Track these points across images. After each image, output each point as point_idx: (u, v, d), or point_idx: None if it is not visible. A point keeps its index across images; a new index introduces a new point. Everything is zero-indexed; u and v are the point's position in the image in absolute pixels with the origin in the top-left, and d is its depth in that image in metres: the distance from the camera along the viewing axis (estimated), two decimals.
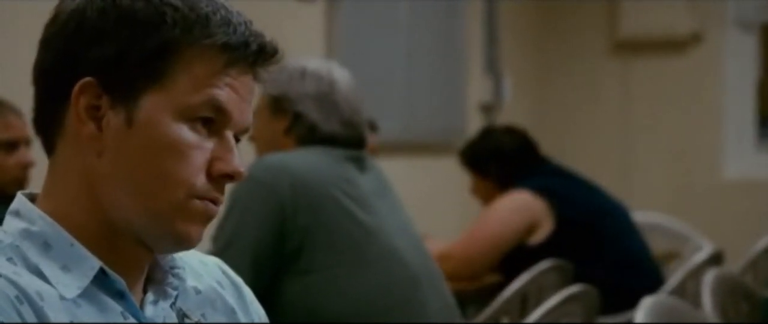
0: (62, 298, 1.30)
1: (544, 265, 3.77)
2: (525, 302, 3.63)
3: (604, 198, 4.28)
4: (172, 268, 1.42)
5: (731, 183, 6.51)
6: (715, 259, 4.09)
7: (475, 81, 6.26)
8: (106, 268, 1.33)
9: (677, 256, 5.08)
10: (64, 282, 1.31)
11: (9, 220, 1.36)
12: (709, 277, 2.85)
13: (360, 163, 2.84)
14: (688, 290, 3.84)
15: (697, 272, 3.84)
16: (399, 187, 2.99)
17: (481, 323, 3.48)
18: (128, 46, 1.32)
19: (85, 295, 1.31)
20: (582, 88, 6.86)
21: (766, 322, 2.82)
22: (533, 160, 4.30)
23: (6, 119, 3.29)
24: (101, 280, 1.33)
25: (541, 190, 4.10)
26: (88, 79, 1.32)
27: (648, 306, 2.41)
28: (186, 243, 1.35)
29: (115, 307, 1.33)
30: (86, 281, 1.32)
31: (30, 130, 3.09)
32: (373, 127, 4.14)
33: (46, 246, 1.33)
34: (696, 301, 3.38)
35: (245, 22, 1.35)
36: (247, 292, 1.52)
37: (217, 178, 1.34)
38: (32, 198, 1.37)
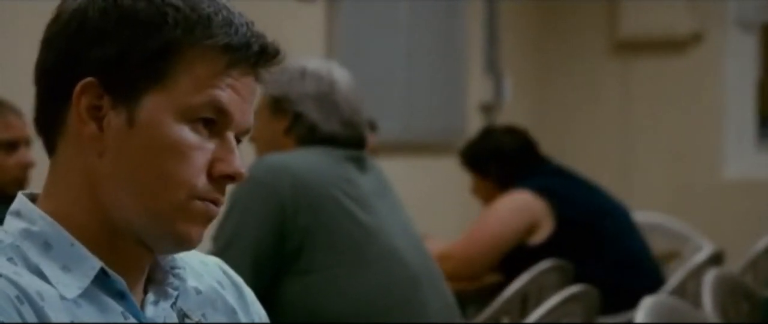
0: (63, 298, 1.30)
1: (544, 265, 3.77)
2: (525, 302, 3.63)
3: (605, 198, 4.28)
4: (173, 268, 1.42)
5: (731, 183, 6.51)
6: (716, 259, 4.09)
7: (475, 81, 6.27)
8: (107, 269, 1.33)
9: (677, 256, 5.08)
10: (65, 282, 1.31)
11: (9, 220, 1.36)
12: (710, 277, 2.85)
13: (360, 164, 2.84)
14: (688, 290, 3.84)
15: (697, 272, 3.84)
16: (399, 187, 2.99)
17: (482, 323, 3.48)
18: (130, 46, 1.32)
19: (85, 295, 1.31)
20: (582, 88, 6.86)
21: (767, 322, 2.82)
22: (533, 160, 4.30)
23: (6, 119, 3.29)
24: (102, 281, 1.33)
25: (541, 190, 4.10)
26: (89, 79, 1.32)
27: (648, 306, 2.41)
28: (186, 243, 1.35)
29: (115, 307, 1.33)
30: (87, 281, 1.32)
31: (30, 130, 3.10)
32: (372, 127, 4.14)
33: (46, 246, 1.33)
34: (696, 301, 3.38)
35: (247, 23, 1.35)
36: (248, 292, 1.52)
37: (218, 178, 1.34)
38: (33, 198, 1.37)
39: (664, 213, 5.64)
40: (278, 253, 2.68)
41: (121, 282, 1.34)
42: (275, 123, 2.87)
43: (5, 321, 1.24)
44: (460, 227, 5.19)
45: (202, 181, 1.33)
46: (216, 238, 2.69)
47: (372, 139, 3.80)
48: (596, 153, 6.70)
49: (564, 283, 3.70)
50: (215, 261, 1.51)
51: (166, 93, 1.32)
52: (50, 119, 1.36)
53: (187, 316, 1.41)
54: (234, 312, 1.47)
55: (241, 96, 1.35)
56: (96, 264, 1.33)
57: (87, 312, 1.31)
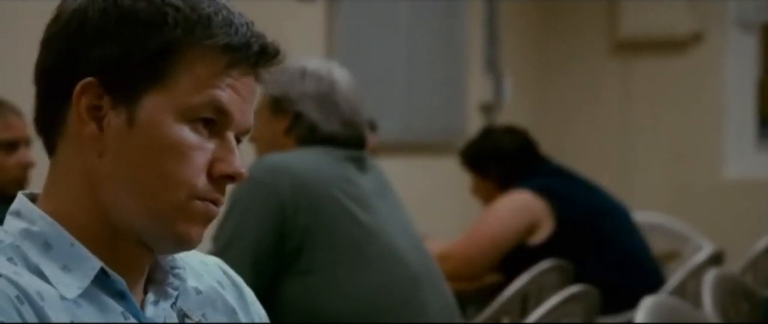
0: (63, 298, 1.30)
1: (544, 265, 3.77)
2: (525, 302, 3.63)
3: (605, 198, 4.28)
4: (173, 268, 1.42)
5: (731, 183, 6.51)
6: (716, 259, 4.09)
7: (475, 81, 6.26)
8: (107, 269, 1.33)
9: (677, 256, 5.08)
10: (65, 282, 1.31)
11: (9, 220, 1.36)
12: (710, 277, 2.84)
13: (360, 163, 2.84)
14: (688, 290, 3.84)
15: (697, 272, 3.84)
16: (399, 187, 2.99)
17: (482, 323, 3.48)
18: (130, 46, 1.32)
19: (85, 295, 1.31)
20: (582, 88, 6.86)
21: (766, 322, 2.82)
22: (534, 160, 4.30)
23: (6, 119, 3.29)
24: (102, 281, 1.33)
25: (541, 190, 4.10)
26: (89, 79, 1.32)
27: (648, 306, 2.40)
28: (186, 243, 1.35)
29: (115, 307, 1.33)
30: (87, 281, 1.32)
31: (30, 131, 3.10)
32: (372, 127, 4.14)
33: (46, 246, 1.33)
34: (696, 301, 3.38)
35: (247, 23, 1.35)
36: (248, 292, 1.52)
37: (218, 179, 1.34)
38: (33, 198, 1.37)
39: (664, 213, 5.64)
40: (278, 253, 2.67)
41: (121, 282, 1.34)
42: (275, 123, 2.87)
43: (5, 321, 1.24)
44: (460, 227, 5.18)
45: (202, 181, 1.33)
46: (216, 238, 2.69)
47: (372, 139, 3.80)
48: (596, 153, 6.70)
49: (564, 283, 3.70)
50: (215, 261, 1.51)
51: (166, 93, 1.32)
52: (50, 119, 1.36)
53: (187, 316, 1.41)
54: (234, 312, 1.47)
55: (241, 96, 1.35)
56: (96, 264, 1.33)
57: (87, 312, 1.31)
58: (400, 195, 2.94)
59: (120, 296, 1.34)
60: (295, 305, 2.67)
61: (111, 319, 1.32)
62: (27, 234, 1.33)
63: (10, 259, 1.31)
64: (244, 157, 1.36)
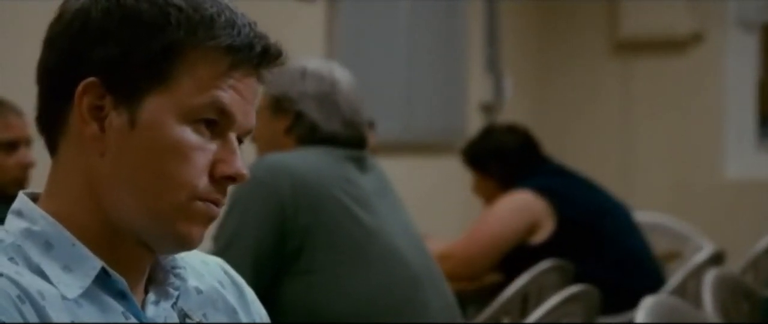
0: (64, 297, 1.30)
1: (544, 264, 3.77)
2: (525, 302, 3.63)
3: (605, 197, 4.28)
4: (174, 268, 1.42)
5: (732, 183, 6.51)
6: (716, 259, 4.09)
7: (476, 81, 6.26)
8: (108, 268, 1.33)
9: (678, 256, 5.08)
10: (66, 282, 1.31)
11: (11, 219, 1.36)
12: (710, 276, 2.84)
13: (361, 163, 2.84)
14: (689, 290, 3.84)
15: (697, 272, 3.84)
16: (399, 187, 2.99)
17: (482, 323, 3.48)
18: (132, 46, 1.32)
19: (86, 295, 1.31)
20: (582, 88, 6.86)
21: (767, 322, 2.82)
22: (535, 159, 4.30)
23: (6, 119, 3.29)
24: (103, 280, 1.33)
25: (542, 190, 4.10)
26: (91, 79, 1.32)
27: (649, 306, 2.40)
28: (187, 244, 1.35)
29: (116, 307, 1.33)
30: (88, 281, 1.32)
31: (30, 130, 3.10)
32: (370, 125, 4.14)
33: (47, 246, 1.33)
34: (697, 301, 3.38)
35: (250, 24, 1.35)
36: (249, 291, 1.52)
37: (220, 179, 1.34)
38: (34, 198, 1.37)
39: (665, 213, 5.64)
40: (279, 253, 2.67)
41: (122, 282, 1.34)
42: (276, 123, 2.87)
43: (7, 321, 1.24)
44: (460, 227, 5.19)
45: (203, 182, 1.33)
46: (216, 238, 2.69)
47: (371, 138, 3.80)
48: (596, 153, 6.70)
49: (564, 283, 3.70)
50: (216, 261, 1.52)
51: (169, 94, 1.32)
52: (52, 119, 1.36)
53: (188, 316, 1.41)
54: (235, 312, 1.47)
55: (244, 97, 1.35)
56: (97, 264, 1.33)
57: (88, 312, 1.31)
58: (400, 195, 2.94)
59: (121, 296, 1.34)
60: (295, 305, 2.67)
61: (112, 318, 1.32)
62: (28, 233, 1.33)
63: (11, 259, 1.31)
64: (245, 157, 1.36)
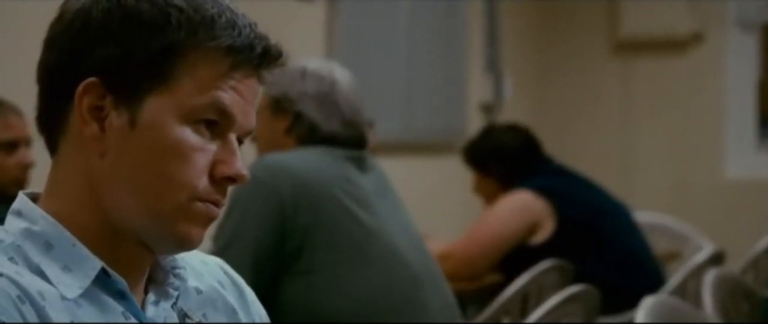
0: (63, 298, 1.30)
1: (544, 264, 3.77)
2: (525, 302, 3.63)
3: (605, 197, 4.28)
4: (173, 268, 1.42)
5: (732, 183, 6.51)
6: (716, 259, 4.09)
7: (475, 81, 6.26)
8: (108, 269, 1.33)
9: (678, 256, 5.08)
10: (66, 282, 1.31)
11: (11, 219, 1.36)
12: (710, 277, 2.84)
13: (361, 163, 2.84)
14: (688, 290, 3.84)
15: (697, 272, 3.84)
16: (399, 187, 2.99)
17: (482, 323, 3.48)
18: (133, 47, 1.32)
19: (86, 295, 1.31)
20: (582, 88, 6.86)
21: (767, 322, 2.82)
22: (536, 159, 4.30)
23: (6, 119, 3.29)
24: (102, 281, 1.33)
25: (542, 190, 4.10)
26: (92, 79, 1.32)
27: (649, 306, 2.40)
28: (187, 244, 1.35)
29: (116, 307, 1.33)
30: (87, 281, 1.32)
31: (30, 131, 3.10)
32: (369, 124, 4.13)
33: (47, 246, 1.33)
34: (697, 301, 3.38)
35: (250, 25, 1.35)
36: (249, 292, 1.52)
37: (220, 180, 1.34)
38: (34, 198, 1.37)
39: (665, 213, 5.64)
40: (278, 253, 2.67)
41: (121, 282, 1.34)
42: (276, 123, 2.87)
43: (7, 321, 1.24)
44: (460, 227, 5.19)
45: (203, 183, 1.33)
46: (216, 238, 2.69)
47: (370, 137, 3.80)
48: (596, 153, 6.69)
49: (564, 283, 3.70)
50: (216, 261, 1.52)
51: (169, 94, 1.32)
52: (52, 119, 1.36)
53: (188, 316, 1.41)
54: (234, 312, 1.47)
55: (244, 98, 1.35)
56: (97, 264, 1.33)
57: (87, 312, 1.31)
58: (400, 195, 2.94)
59: (120, 296, 1.34)
60: (295, 305, 2.67)
61: (111, 319, 1.32)
62: (28, 234, 1.33)
63: (11, 259, 1.31)
64: (245, 157, 1.36)
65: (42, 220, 1.34)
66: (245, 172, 1.35)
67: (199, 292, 1.44)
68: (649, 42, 6.63)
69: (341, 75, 2.90)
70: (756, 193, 6.37)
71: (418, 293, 2.75)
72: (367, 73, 5.05)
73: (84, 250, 1.33)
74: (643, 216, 4.87)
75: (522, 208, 4.09)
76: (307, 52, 4.49)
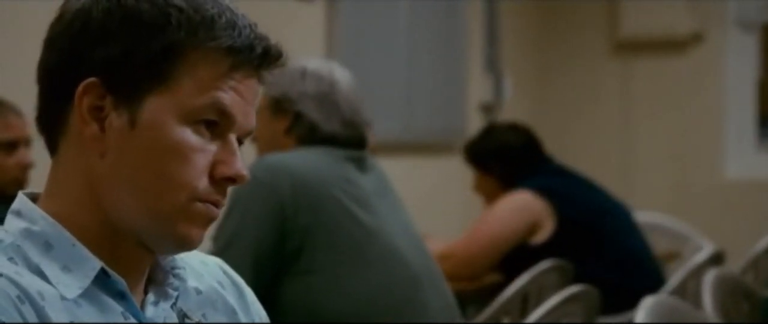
0: (63, 298, 1.30)
1: (544, 264, 3.77)
2: (525, 302, 3.63)
3: (605, 197, 4.28)
4: (173, 268, 1.42)
5: (732, 183, 6.51)
6: (716, 259, 4.09)
7: (475, 81, 6.26)
8: (107, 269, 1.33)
9: (678, 256, 5.08)
10: (65, 282, 1.31)
11: (10, 219, 1.36)
12: (710, 277, 2.84)
13: (361, 163, 2.84)
14: (688, 290, 3.84)
15: (697, 272, 3.84)
16: (399, 187, 2.99)
17: (482, 323, 3.48)
18: (133, 47, 1.32)
19: (86, 295, 1.31)
20: (582, 88, 6.86)
21: (767, 322, 2.82)
22: (537, 158, 4.30)
23: (6, 119, 3.29)
24: (102, 281, 1.33)
25: (542, 190, 4.10)
26: (92, 79, 1.32)
27: (648, 306, 2.40)
28: (187, 245, 1.35)
29: (115, 307, 1.33)
30: (87, 281, 1.32)
31: (30, 131, 3.10)
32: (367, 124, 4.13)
33: (47, 246, 1.33)
34: (697, 301, 3.38)
35: (250, 25, 1.35)
36: (248, 292, 1.52)
37: (220, 181, 1.34)
38: (34, 198, 1.37)
39: (665, 213, 5.64)
40: (278, 253, 2.67)
41: (121, 282, 1.34)
42: (276, 123, 2.87)
43: (6, 321, 1.24)
44: (460, 227, 5.19)
45: (203, 183, 1.33)
46: (216, 238, 2.69)
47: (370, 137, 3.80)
48: (596, 153, 6.69)
49: (564, 283, 3.70)
50: (215, 261, 1.52)
51: (169, 95, 1.32)
52: (52, 119, 1.36)
53: (188, 317, 1.41)
54: (234, 312, 1.47)
55: (244, 98, 1.35)
56: (96, 264, 1.33)
57: (87, 312, 1.31)
58: (400, 195, 2.94)
59: (120, 296, 1.34)
60: (295, 305, 2.67)
61: (111, 319, 1.32)
62: (28, 234, 1.33)
63: (10, 259, 1.31)
64: (245, 157, 1.36)
65: (42, 220, 1.34)
66: (245, 172, 1.35)
67: (198, 292, 1.44)
68: (649, 42, 6.63)
69: (341, 75, 2.90)
70: (756, 193, 6.37)
71: (418, 293, 2.75)
72: (367, 73, 5.05)
73: (84, 251, 1.33)
74: (643, 216, 4.87)
75: (522, 208, 4.09)
76: (307, 52, 4.49)
